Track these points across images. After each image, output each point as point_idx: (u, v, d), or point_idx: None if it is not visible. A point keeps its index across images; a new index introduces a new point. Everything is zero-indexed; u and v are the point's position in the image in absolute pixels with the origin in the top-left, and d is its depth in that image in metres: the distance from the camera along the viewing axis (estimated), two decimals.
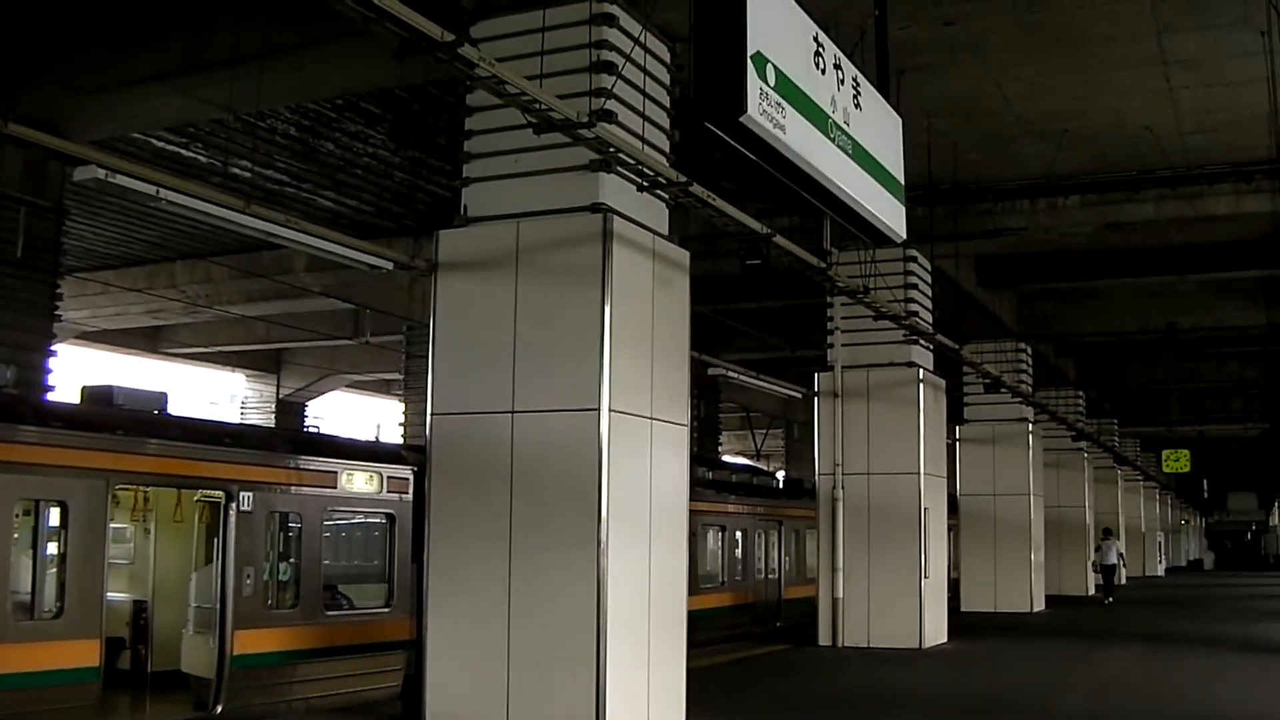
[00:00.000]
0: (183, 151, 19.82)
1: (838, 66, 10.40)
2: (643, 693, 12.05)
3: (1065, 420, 34.53)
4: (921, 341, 21.15)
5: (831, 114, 10.20)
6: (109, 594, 12.15)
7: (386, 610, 14.91)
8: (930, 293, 22.17)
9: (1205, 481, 66.85)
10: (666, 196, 11.86)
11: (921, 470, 21.24)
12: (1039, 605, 31.07)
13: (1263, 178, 19.44)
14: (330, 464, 14.43)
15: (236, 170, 20.84)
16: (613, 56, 11.77)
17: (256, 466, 13.41)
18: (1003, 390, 26.58)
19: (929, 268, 22.09)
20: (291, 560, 14.09)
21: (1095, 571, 37.28)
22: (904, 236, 12.55)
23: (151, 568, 14.68)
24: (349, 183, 22.01)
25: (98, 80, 15.51)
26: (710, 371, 22.10)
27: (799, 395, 24.79)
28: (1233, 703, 15.93)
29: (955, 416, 29.68)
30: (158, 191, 10.49)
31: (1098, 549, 36.94)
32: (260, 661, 13.12)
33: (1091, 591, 37.02)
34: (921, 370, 21.57)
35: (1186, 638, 24.63)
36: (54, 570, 11.50)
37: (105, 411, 12.79)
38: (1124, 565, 40.04)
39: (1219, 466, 65.06)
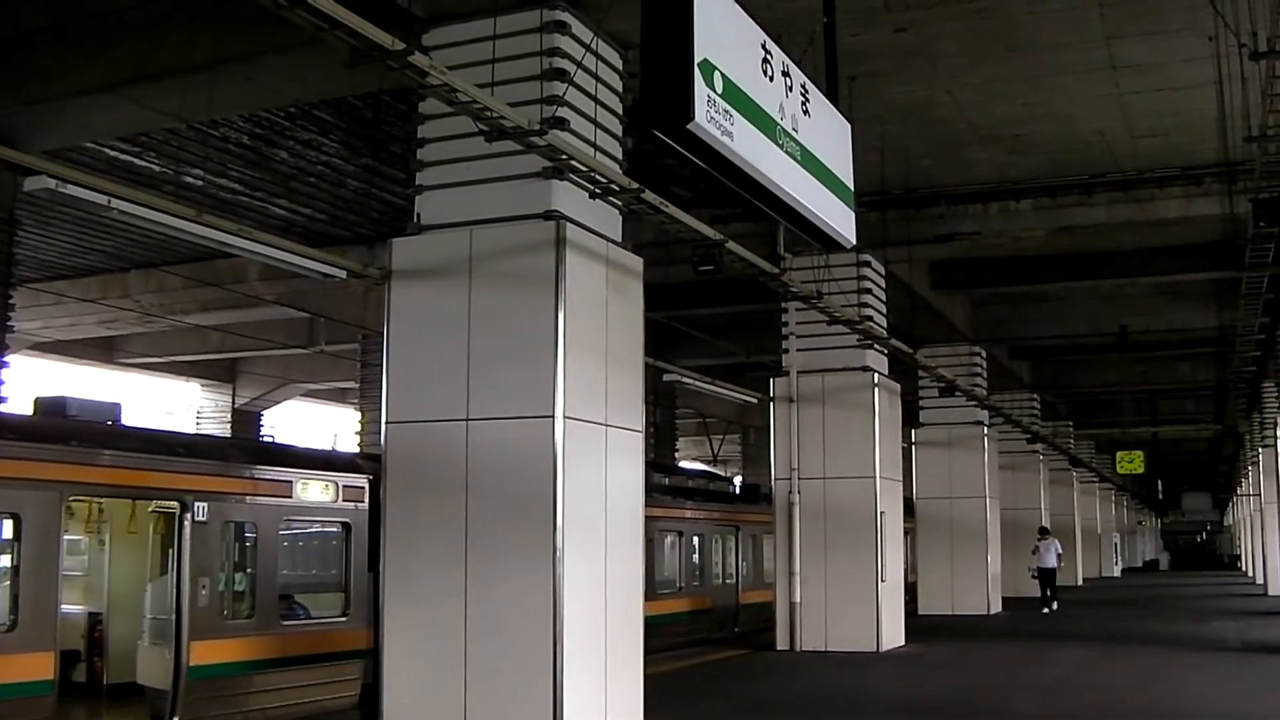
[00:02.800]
0: (135, 161, 19.68)
1: (786, 73, 10.45)
2: (600, 699, 12.08)
3: (1020, 423, 34.66)
4: (876, 346, 21.22)
5: (780, 121, 10.24)
6: (63, 606, 12.06)
7: (343, 620, 14.89)
8: (884, 297, 22.26)
9: (1160, 482, 67.16)
10: (619, 203, 11.89)
11: (877, 474, 21.33)
12: (995, 607, 31.21)
13: (1212, 180, 19.58)
14: (285, 473, 14.40)
15: (189, 179, 20.72)
16: (564, 64, 11.82)
17: (211, 477, 13.38)
18: (957, 394, 26.74)
19: (882, 272, 22.19)
20: (247, 570, 14.06)
21: (1032, 575, 33.05)
22: (854, 242, 12.59)
23: (106, 579, 14.62)
24: (302, 191, 21.91)
25: (49, 89, 15.40)
26: (665, 378, 22.08)
27: (754, 400, 24.82)
28: (1183, 699, 16.12)
29: (910, 420, 29.77)
30: (110, 201, 10.39)
31: (1034, 550, 33.10)
32: (216, 672, 13.07)
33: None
34: (876, 375, 21.68)
35: (1141, 637, 24.83)
36: (7, 583, 11.44)
37: (58, 423, 12.72)
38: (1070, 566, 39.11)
39: (1173, 468, 65.55)
